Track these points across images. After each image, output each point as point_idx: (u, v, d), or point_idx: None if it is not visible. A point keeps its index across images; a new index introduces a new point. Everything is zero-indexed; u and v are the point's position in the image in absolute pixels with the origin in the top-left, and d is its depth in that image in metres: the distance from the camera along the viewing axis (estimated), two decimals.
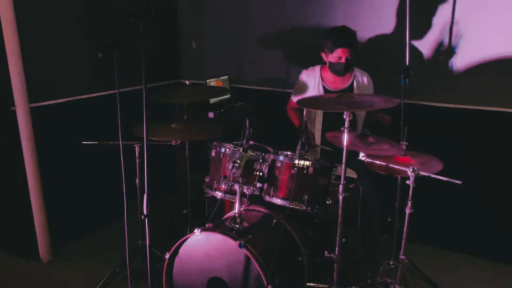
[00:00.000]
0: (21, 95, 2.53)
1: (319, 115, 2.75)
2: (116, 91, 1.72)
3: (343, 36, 2.54)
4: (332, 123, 2.53)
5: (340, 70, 2.58)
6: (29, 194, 2.68)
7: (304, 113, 2.87)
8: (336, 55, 2.53)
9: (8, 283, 2.62)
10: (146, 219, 1.64)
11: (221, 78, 3.38)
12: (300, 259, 2.14)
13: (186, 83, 2.67)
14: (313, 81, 2.74)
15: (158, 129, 2.35)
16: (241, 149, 2.15)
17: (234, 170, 2.13)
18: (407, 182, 1.97)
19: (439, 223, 3.00)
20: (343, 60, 2.53)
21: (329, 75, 2.70)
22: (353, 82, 2.70)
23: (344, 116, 1.89)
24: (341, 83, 2.70)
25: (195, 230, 1.97)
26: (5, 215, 2.90)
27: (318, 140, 2.78)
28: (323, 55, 2.65)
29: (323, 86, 2.72)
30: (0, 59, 2.44)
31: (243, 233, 1.97)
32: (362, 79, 2.73)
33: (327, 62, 2.64)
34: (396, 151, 2.12)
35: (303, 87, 2.78)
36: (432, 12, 2.75)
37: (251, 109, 3.31)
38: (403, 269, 2.17)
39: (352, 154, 2.06)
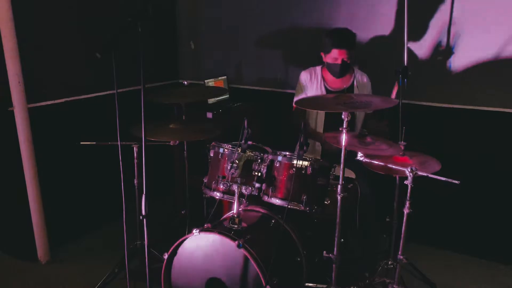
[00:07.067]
0: (19, 95, 2.53)
1: (321, 117, 2.75)
2: (115, 91, 1.72)
3: (341, 37, 2.54)
4: (334, 124, 2.54)
5: (336, 71, 2.58)
6: (27, 194, 2.67)
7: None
8: (332, 56, 2.54)
9: (6, 283, 2.61)
10: (145, 219, 1.64)
11: (220, 78, 3.39)
12: (298, 259, 2.14)
13: (184, 83, 2.67)
14: (315, 82, 2.74)
15: (157, 129, 2.35)
16: (239, 150, 2.15)
17: (232, 171, 2.13)
18: (405, 182, 1.97)
19: (438, 223, 3.00)
20: (338, 61, 2.54)
21: (329, 75, 2.71)
22: (353, 82, 2.71)
23: (343, 117, 1.89)
24: (342, 83, 2.70)
25: (194, 231, 1.97)
26: (3, 215, 2.89)
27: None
28: (322, 55, 2.65)
29: (325, 87, 2.72)
30: None
31: (241, 233, 1.97)
32: (362, 79, 2.73)
33: (325, 63, 2.64)
34: (394, 151, 2.12)
35: (305, 89, 2.77)
36: (430, 13, 2.76)
37: (249, 109, 3.31)
38: (401, 269, 2.17)
39: (351, 154, 2.06)
